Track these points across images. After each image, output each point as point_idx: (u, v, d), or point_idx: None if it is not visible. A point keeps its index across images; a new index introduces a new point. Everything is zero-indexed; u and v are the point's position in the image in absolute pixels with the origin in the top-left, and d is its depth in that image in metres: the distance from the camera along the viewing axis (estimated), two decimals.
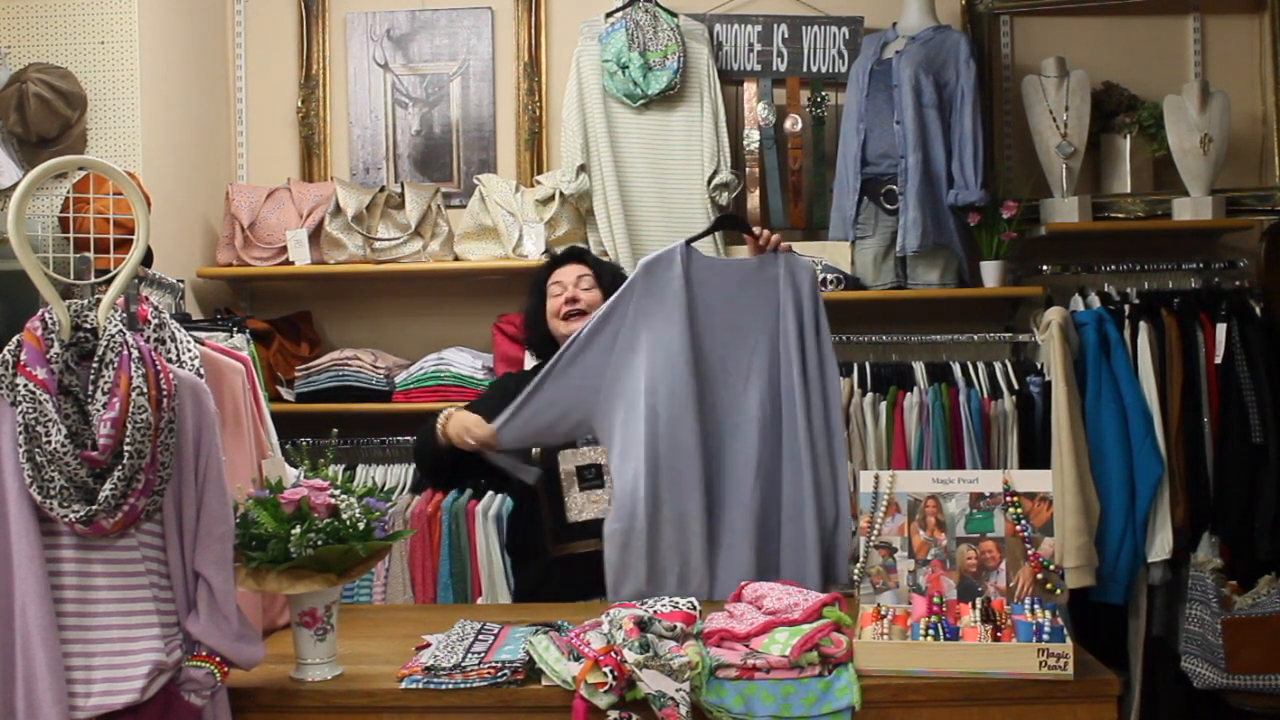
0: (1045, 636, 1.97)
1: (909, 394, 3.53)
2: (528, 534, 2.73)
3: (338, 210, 3.85)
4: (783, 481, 2.59)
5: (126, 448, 1.78)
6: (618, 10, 3.93)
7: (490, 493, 3.54)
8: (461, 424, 2.59)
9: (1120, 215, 3.84)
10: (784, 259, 2.65)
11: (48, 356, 1.81)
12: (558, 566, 2.65)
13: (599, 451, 2.64)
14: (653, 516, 2.53)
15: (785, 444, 2.59)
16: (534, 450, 2.68)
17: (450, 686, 1.99)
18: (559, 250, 3.10)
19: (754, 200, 3.98)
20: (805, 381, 2.60)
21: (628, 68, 3.85)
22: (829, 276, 3.72)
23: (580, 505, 2.64)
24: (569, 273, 2.84)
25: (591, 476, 2.63)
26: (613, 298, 2.64)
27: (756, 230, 2.70)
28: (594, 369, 2.59)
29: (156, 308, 2.14)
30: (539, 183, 3.97)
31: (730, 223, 2.74)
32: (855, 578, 2.29)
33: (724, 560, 2.56)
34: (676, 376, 2.57)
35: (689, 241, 2.66)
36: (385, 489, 3.52)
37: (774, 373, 2.61)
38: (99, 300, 1.89)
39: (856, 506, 2.34)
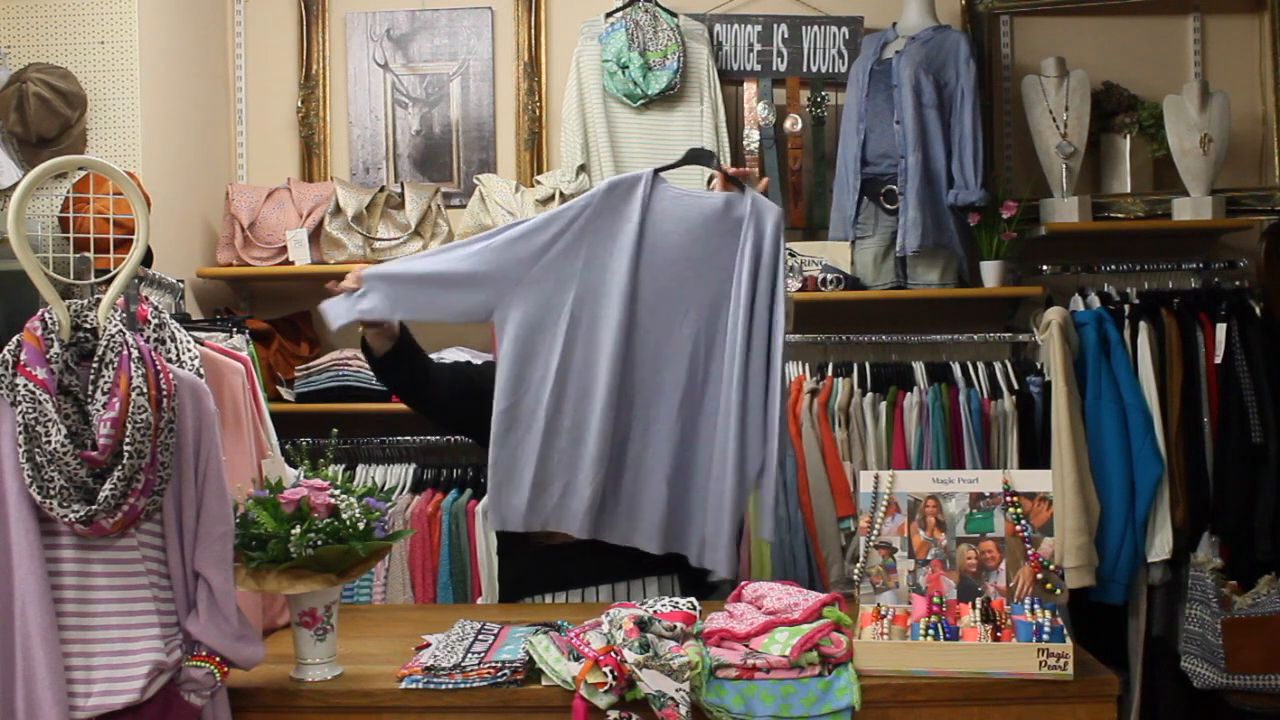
0: (1045, 636, 1.97)
1: (909, 394, 3.53)
2: None
3: (338, 210, 3.85)
4: (703, 423, 2.55)
5: (126, 448, 1.78)
6: (618, 10, 3.93)
7: None
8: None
9: (1120, 215, 3.84)
10: (752, 199, 2.60)
11: (48, 356, 1.81)
12: (540, 558, 2.64)
13: None
14: (551, 421, 2.51)
15: (721, 385, 2.54)
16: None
17: (450, 686, 1.99)
18: None
19: None
20: (750, 325, 2.54)
21: (628, 68, 3.85)
22: (829, 276, 3.73)
23: None
24: None
25: None
26: (566, 204, 2.60)
27: (728, 168, 2.65)
28: (521, 259, 2.53)
29: (156, 308, 2.14)
30: (539, 183, 3.97)
31: (700, 157, 2.72)
32: (855, 578, 2.29)
33: (632, 486, 2.53)
34: (609, 295, 2.53)
35: (658, 170, 2.62)
36: (385, 489, 3.52)
37: (719, 311, 2.56)
38: (99, 300, 1.89)
39: (856, 505, 2.34)
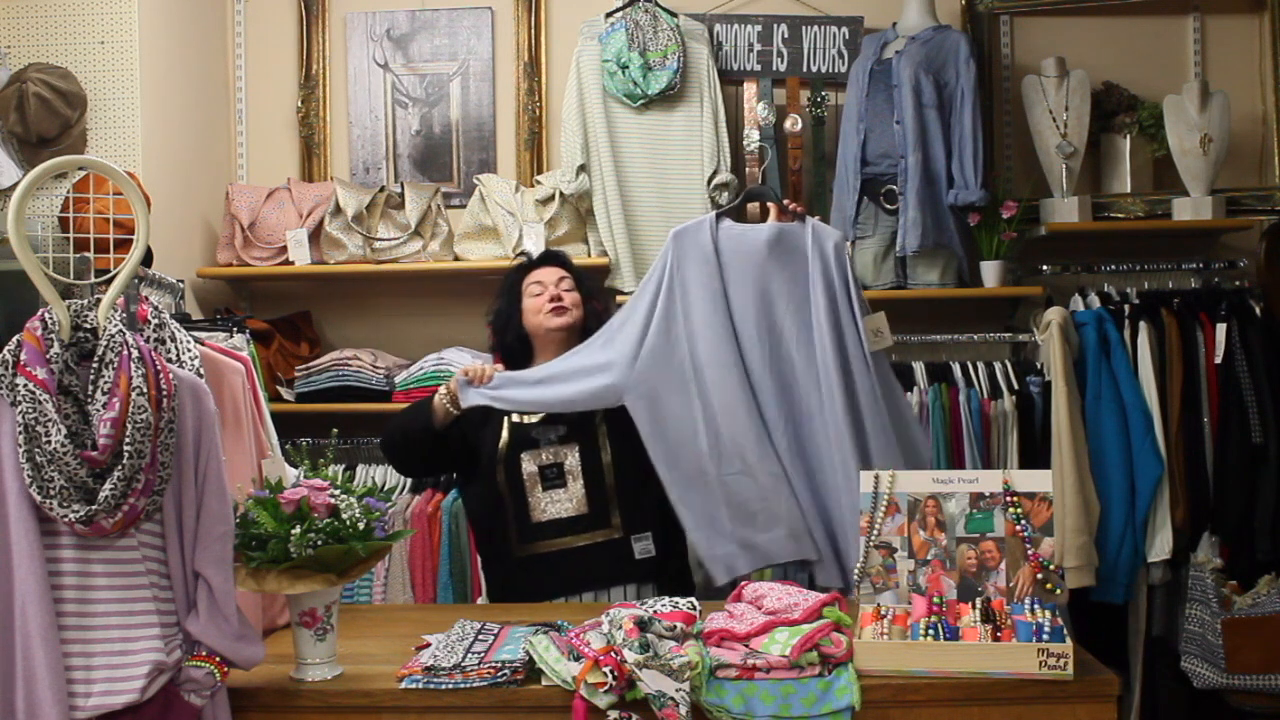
0: (1045, 636, 1.97)
1: (909, 394, 3.53)
2: (492, 536, 2.74)
3: (338, 210, 3.85)
4: (813, 450, 2.64)
5: (126, 448, 1.78)
6: (618, 10, 3.93)
7: None
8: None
9: (1120, 215, 3.84)
10: (812, 226, 2.70)
11: (48, 356, 1.81)
12: (523, 567, 2.65)
13: (561, 451, 2.66)
14: (721, 470, 2.59)
15: (816, 415, 2.63)
16: (499, 445, 2.69)
17: (450, 686, 1.99)
18: (527, 255, 3.15)
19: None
20: (842, 347, 2.63)
21: (628, 68, 3.85)
22: None
23: (543, 505, 2.65)
24: (549, 274, 2.86)
25: (553, 476, 2.65)
26: (650, 272, 2.73)
27: (785, 201, 2.77)
28: (633, 338, 2.65)
29: (156, 308, 2.14)
30: (539, 183, 3.97)
31: (758, 194, 2.82)
32: (855, 578, 2.29)
33: (805, 502, 2.62)
34: (717, 340, 2.62)
35: (719, 214, 2.72)
36: (385, 489, 3.52)
37: (802, 336, 2.66)
38: (99, 300, 1.89)
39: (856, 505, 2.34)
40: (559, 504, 2.64)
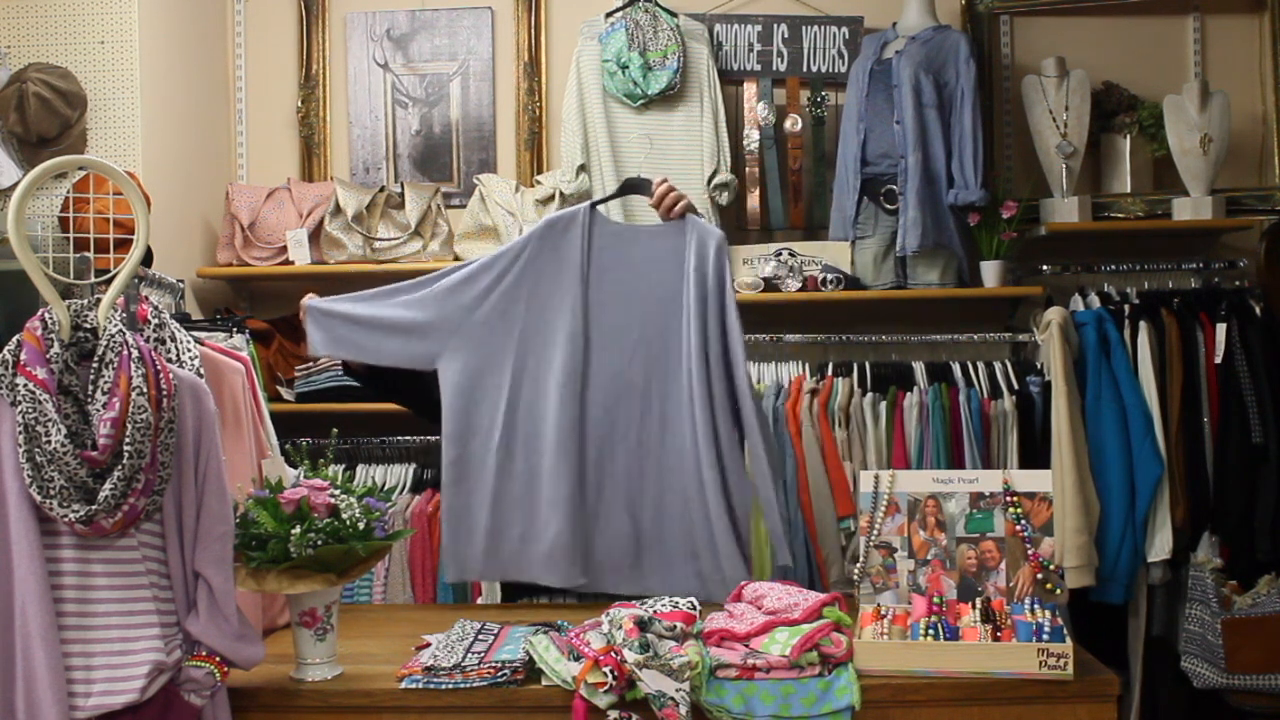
0: (1045, 636, 1.97)
1: (909, 394, 3.53)
2: None
3: (338, 210, 3.85)
4: (668, 458, 2.49)
5: (126, 448, 1.78)
6: (618, 10, 3.93)
7: None
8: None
9: (1120, 215, 3.84)
10: (693, 226, 2.52)
11: (48, 356, 1.81)
12: None
13: None
14: (502, 467, 2.48)
15: (683, 420, 2.48)
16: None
17: (450, 686, 1.99)
18: None
19: (754, 200, 3.97)
20: (706, 354, 2.46)
21: (628, 67, 3.85)
22: (829, 276, 3.73)
23: None
24: None
25: None
26: (505, 246, 2.57)
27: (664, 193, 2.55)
28: (463, 305, 2.50)
29: (156, 308, 2.14)
30: (539, 183, 3.97)
31: (636, 186, 2.64)
32: (855, 578, 2.29)
33: (600, 527, 2.49)
34: (554, 335, 2.49)
35: (593, 204, 2.58)
36: (385, 489, 3.52)
37: (668, 343, 2.50)
38: (99, 300, 1.89)
39: (856, 505, 2.34)
40: None
